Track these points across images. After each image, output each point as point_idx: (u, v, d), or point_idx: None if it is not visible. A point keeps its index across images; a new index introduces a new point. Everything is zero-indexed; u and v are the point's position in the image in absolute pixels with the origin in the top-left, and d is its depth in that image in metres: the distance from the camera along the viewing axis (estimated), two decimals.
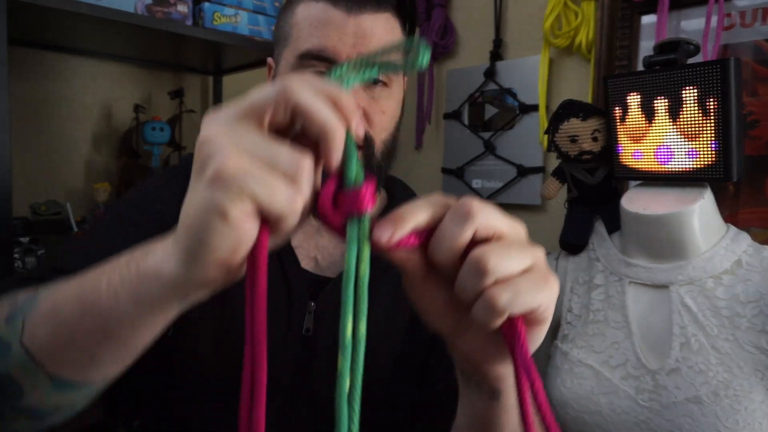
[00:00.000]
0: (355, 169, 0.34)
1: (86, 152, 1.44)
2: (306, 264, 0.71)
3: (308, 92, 0.31)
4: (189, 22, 1.20)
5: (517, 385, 0.33)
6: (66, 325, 0.39)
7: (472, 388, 0.42)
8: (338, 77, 0.35)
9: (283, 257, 0.69)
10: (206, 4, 1.22)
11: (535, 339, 0.35)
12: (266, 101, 0.32)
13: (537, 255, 0.34)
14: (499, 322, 0.32)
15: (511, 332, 0.33)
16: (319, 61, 0.64)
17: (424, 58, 0.34)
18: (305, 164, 0.31)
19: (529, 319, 0.34)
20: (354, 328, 0.32)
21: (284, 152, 0.31)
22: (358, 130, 0.33)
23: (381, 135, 0.68)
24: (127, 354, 0.41)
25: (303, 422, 0.66)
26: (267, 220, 0.31)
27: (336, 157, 0.32)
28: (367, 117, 0.66)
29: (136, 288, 0.36)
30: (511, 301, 0.31)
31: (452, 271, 0.34)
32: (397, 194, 0.78)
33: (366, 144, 0.67)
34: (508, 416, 0.42)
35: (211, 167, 0.30)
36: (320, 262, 0.72)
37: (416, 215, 0.33)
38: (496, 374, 0.39)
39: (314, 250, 0.72)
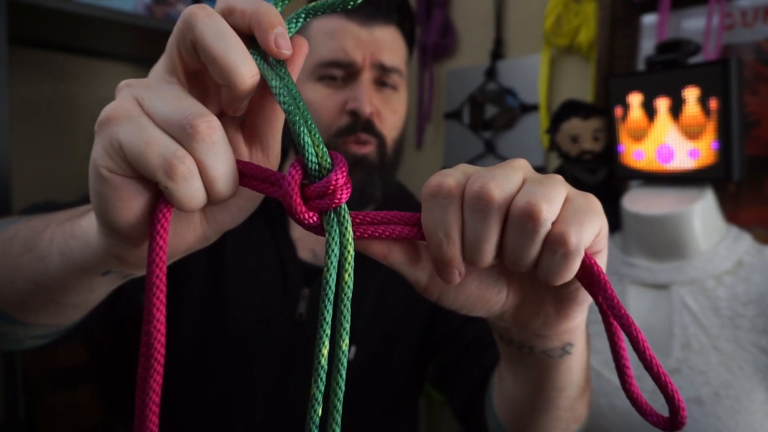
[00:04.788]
0: (314, 149, 0.27)
1: (86, 152, 1.44)
2: (304, 255, 0.73)
3: (207, 19, 0.27)
4: None
5: (607, 328, 0.29)
6: (9, 259, 0.39)
7: (535, 356, 0.38)
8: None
9: (281, 247, 0.72)
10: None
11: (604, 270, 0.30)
12: (170, 44, 0.28)
13: (563, 180, 0.29)
14: (577, 265, 0.28)
15: (585, 272, 0.29)
16: (338, 67, 0.69)
17: None
18: (201, 121, 0.26)
19: (594, 251, 0.30)
20: (332, 348, 0.27)
21: (178, 104, 0.26)
22: (279, 45, 0.28)
23: (392, 133, 0.73)
24: (58, 310, 0.40)
25: (294, 401, 0.69)
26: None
27: (237, 99, 0.27)
28: (380, 117, 0.71)
29: (66, 241, 0.35)
30: (580, 233, 0.27)
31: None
32: (391, 193, 0.81)
33: (378, 142, 0.71)
34: (577, 365, 0.40)
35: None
36: (318, 253, 0.74)
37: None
38: (563, 330, 0.35)
39: (314, 242, 0.74)
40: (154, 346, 0.27)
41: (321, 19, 0.71)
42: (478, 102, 1.34)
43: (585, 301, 0.33)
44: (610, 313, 0.29)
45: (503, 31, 1.30)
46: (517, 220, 0.27)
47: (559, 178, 0.29)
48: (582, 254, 0.27)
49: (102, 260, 0.33)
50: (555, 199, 0.27)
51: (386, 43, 0.71)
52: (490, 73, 1.30)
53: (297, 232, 0.74)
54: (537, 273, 0.29)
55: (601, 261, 0.30)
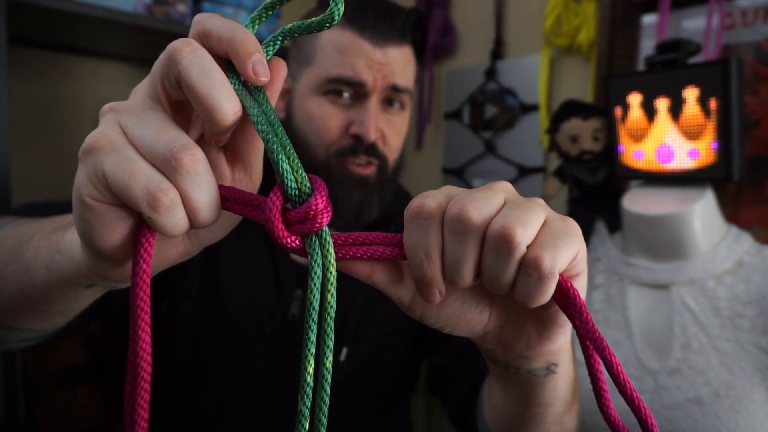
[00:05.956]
0: (293, 175, 0.28)
1: None
2: (296, 257, 0.73)
3: (192, 56, 0.27)
4: (189, 22, 1.19)
5: (584, 350, 0.29)
6: None
7: (521, 375, 0.39)
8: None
9: (274, 249, 0.72)
10: (206, 4, 1.22)
11: (582, 294, 0.30)
12: (154, 74, 0.28)
13: (543, 204, 0.30)
14: (552, 288, 0.28)
15: (562, 295, 0.29)
16: (348, 86, 0.68)
17: (339, 7, 0.29)
18: (185, 154, 0.26)
19: (571, 274, 0.30)
20: (317, 366, 0.28)
21: (162, 135, 0.26)
22: (257, 73, 0.28)
23: (394, 155, 0.73)
24: (44, 317, 0.41)
25: (288, 400, 0.69)
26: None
27: (219, 133, 0.28)
28: (384, 139, 0.70)
29: (51, 255, 0.36)
30: (554, 257, 0.27)
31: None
32: (388, 196, 0.80)
33: (380, 163, 0.71)
34: (563, 382, 0.41)
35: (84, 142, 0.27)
36: None
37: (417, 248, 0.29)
38: (546, 351, 0.35)
39: None
40: (140, 365, 0.28)
41: (332, 31, 0.69)
42: (478, 102, 1.34)
43: (566, 323, 0.33)
44: (586, 336, 0.29)
45: (503, 31, 1.30)
46: (493, 242, 0.28)
47: (540, 201, 0.30)
48: (556, 278, 0.28)
49: (86, 276, 0.33)
50: (531, 222, 0.28)
51: (400, 64, 0.69)
52: (490, 73, 1.30)
53: None
54: (514, 295, 0.29)
55: (579, 284, 0.30)
